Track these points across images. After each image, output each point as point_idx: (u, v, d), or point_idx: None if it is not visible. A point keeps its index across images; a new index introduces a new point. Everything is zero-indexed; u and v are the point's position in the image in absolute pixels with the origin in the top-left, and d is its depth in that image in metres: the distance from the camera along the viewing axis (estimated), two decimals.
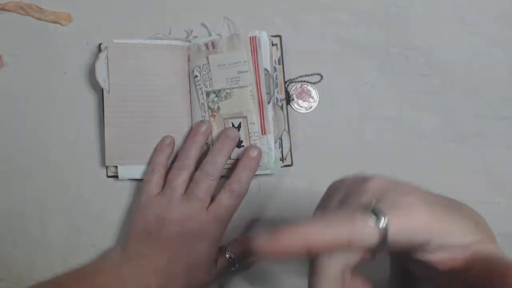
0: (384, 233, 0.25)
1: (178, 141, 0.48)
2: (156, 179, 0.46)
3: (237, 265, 0.47)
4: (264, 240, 0.25)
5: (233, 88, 0.46)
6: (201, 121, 0.47)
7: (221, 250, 0.46)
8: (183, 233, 0.43)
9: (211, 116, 0.47)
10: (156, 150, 0.48)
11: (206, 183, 0.44)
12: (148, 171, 0.47)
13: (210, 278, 0.45)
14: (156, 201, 0.45)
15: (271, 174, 0.49)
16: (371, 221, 0.25)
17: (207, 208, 0.44)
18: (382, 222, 0.25)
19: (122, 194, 0.50)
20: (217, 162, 0.45)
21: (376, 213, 0.26)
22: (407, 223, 0.26)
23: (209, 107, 0.47)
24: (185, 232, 0.43)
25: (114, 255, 0.45)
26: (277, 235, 0.25)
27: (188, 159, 0.46)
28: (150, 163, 0.48)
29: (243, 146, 0.47)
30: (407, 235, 0.26)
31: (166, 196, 0.44)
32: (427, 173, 0.48)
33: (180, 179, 0.45)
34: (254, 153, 0.46)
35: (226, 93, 0.47)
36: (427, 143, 0.49)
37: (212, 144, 0.48)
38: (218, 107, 0.47)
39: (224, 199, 0.44)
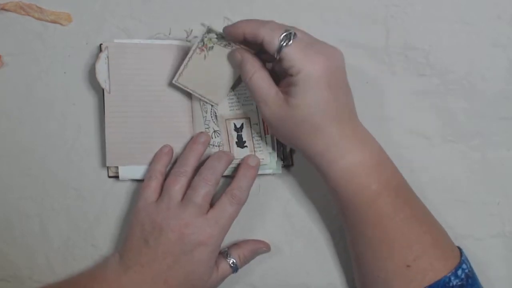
0: (280, 48, 0.39)
1: (178, 143, 0.48)
2: (154, 185, 0.46)
3: (239, 269, 0.47)
4: (228, 27, 0.42)
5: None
6: (201, 132, 0.48)
7: (223, 255, 0.46)
8: (181, 240, 0.43)
9: (199, 48, 0.44)
10: (154, 158, 0.48)
11: (204, 189, 0.44)
12: (146, 178, 0.47)
13: (211, 284, 0.45)
14: (153, 208, 0.44)
15: (272, 174, 0.49)
16: (282, 36, 0.39)
17: (207, 214, 0.44)
18: (287, 41, 0.39)
19: (122, 194, 0.50)
20: (216, 169, 0.45)
21: (289, 35, 0.39)
22: (293, 56, 0.39)
23: (202, 40, 0.44)
24: (184, 239, 0.43)
25: (113, 263, 0.45)
26: (233, 25, 0.42)
27: (186, 166, 0.45)
28: (148, 170, 0.48)
29: (246, 146, 0.47)
30: (289, 60, 0.39)
31: (164, 203, 0.44)
32: (427, 173, 0.48)
33: (178, 186, 0.44)
34: (253, 162, 0.46)
35: (233, 46, 0.45)
36: (427, 143, 0.49)
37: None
38: (212, 47, 0.45)
39: (226, 204, 0.44)
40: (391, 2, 0.48)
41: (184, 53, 0.47)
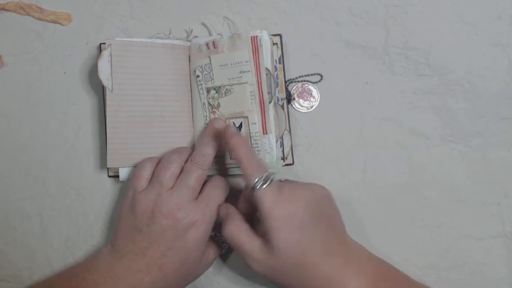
0: (253, 190, 0.41)
1: (179, 143, 0.48)
2: (145, 176, 0.45)
3: (227, 246, 0.48)
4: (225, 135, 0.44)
5: (233, 84, 0.47)
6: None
7: (211, 236, 0.47)
8: (175, 225, 0.42)
9: (211, 112, 0.47)
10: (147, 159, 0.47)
11: (197, 172, 0.44)
12: (137, 168, 0.46)
13: (204, 265, 0.46)
14: (144, 195, 0.44)
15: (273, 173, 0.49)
16: (257, 179, 0.41)
17: (197, 198, 0.44)
18: (261, 185, 0.41)
19: (122, 194, 0.50)
20: (206, 153, 0.45)
21: (267, 181, 0.41)
22: (261, 202, 0.41)
23: (209, 104, 0.47)
24: (177, 225, 0.42)
25: (105, 253, 0.45)
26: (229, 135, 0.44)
27: (179, 154, 0.45)
28: (140, 162, 0.47)
29: None
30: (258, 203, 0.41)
31: (155, 190, 0.43)
32: (427, 173, 0.48)
33: (168, 173, 0.44)
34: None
35: (226, 89, 0.47)
36: (427, 143, 0.49)
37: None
38: (218, 103, 0.47)
39: (210, 188, 0.45)
40: (391, 2, 0.48)
41: (186, 54, 0.47)
